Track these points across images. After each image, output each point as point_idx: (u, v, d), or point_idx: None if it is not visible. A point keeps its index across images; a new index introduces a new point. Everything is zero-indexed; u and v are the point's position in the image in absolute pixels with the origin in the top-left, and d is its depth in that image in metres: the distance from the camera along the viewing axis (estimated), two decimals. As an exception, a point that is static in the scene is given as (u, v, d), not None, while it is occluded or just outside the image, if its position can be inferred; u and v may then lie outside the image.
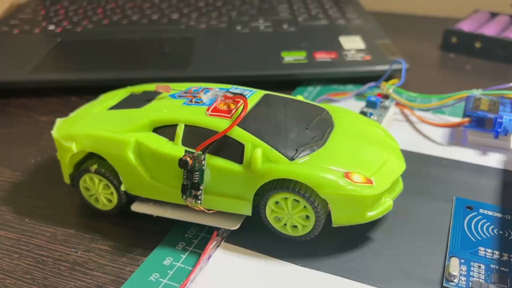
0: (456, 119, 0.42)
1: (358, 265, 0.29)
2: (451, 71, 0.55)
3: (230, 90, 0.32)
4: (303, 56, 0.52)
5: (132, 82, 0.42)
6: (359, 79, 0.50)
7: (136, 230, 0.32)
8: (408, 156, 0.37)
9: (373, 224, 0.31)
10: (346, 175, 0.28)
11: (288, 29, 0.59)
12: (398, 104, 0.45)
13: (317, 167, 0.28)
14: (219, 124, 0.29)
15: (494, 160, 0.38)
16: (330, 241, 0.30)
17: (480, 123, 0.39)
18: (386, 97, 0.43)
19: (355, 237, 0.31)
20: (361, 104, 0.44)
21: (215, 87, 0.33)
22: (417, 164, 0.37)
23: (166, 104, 0.33)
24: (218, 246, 0.30)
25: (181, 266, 0.29)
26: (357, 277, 0.28)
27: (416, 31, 0.66)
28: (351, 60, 0.51)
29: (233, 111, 0.30)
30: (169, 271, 0.29)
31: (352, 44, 0.54)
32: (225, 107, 0.30)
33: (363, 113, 0.41)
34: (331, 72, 0.50)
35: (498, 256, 0.29)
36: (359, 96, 0.47)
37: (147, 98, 0.34)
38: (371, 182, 0.28)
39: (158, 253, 0.30)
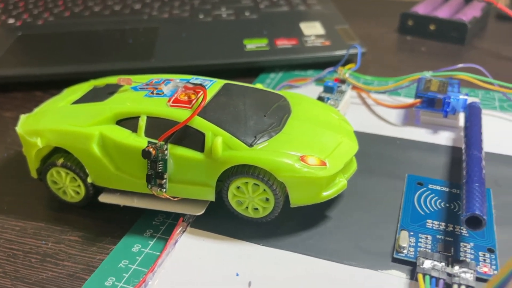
0: (410, 100, 0.44)
1: (316, 242, 0.31)
2: (407, 53, 0.57)
3: (191, 81, 0.33)
4: (264, 43, 0.53)
5: (96, 74, 0.43)
6: (319, 65, 0.51)
7: (104, 220, 0.33)
8: (364, 137, 0.39)
9: (330, 203, 0.33)
10: (302, 159, 0.30)
11: (250, 16, 0.60)
12: (355, 87, 0.46)
13: (275, 152, 0.30)
14: (180, 114, 0.30)
15: (444, 138, 0.40)
16: (290, 221, 0.32)
17: (431, 104, 0.41)
18: (343, 81, 0.45)
19: (312, 216, 0.33)
20: (321, 89, 0.46)
21: (176, 78, 0.34)
22: (372, 145, 0.39)
23: (128, 96, 0.33)
24: (184, 232, 0.32)
25: (149, 252, 0.31)
26: (316, 254, 0.30)
27: (375, 15, 0.68)
28: (311, 46, 0.52)
29: (194, 101, 0.31)
30: (137, 257, 0.30)
31: (312, 30, 0.56)
32: (185, 98, 0.31)
33: (320, 98, 0.43)
34: (292, 59, 0.51)
35: (444, 227, 0.31)
36: (319, 81, 0.49)
37: (109, 91, 0.35)
38: (325, 164, 0.30)
39: (126, 241, 0.31)
